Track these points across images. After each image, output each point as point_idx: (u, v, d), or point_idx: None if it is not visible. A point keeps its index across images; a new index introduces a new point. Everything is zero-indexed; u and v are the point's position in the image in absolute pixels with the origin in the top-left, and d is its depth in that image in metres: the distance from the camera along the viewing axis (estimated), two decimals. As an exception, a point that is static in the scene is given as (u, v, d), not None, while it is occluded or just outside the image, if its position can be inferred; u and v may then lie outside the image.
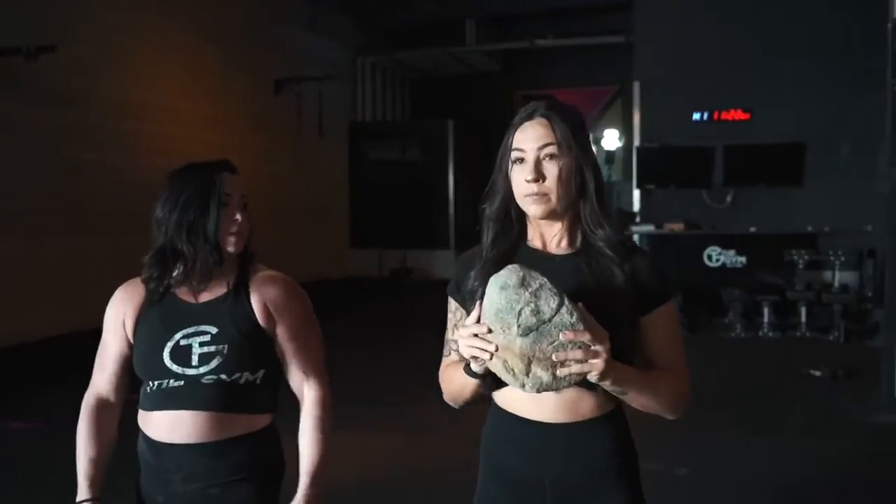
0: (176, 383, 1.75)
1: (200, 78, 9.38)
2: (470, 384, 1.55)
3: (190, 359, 1.75)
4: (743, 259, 8.86)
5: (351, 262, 12.81)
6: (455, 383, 1.60)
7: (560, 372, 1.37)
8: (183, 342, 1.76)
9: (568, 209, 1.56)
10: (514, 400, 1.58)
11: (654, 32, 9.32)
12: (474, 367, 1.48)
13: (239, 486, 1.77)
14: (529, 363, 1.38)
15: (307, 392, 1.88)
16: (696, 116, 9.26)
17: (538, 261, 1.55)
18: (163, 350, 1.76)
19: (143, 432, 1.81)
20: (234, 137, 9.77)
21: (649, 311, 1.56)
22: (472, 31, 12.69)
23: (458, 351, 1.55)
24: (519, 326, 1.37)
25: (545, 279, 1.41)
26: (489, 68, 13.99)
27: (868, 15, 8.16)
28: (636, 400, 1.51)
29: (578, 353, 1.35)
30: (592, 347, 1.36)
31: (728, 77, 8.95)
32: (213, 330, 1.76)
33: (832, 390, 5.97)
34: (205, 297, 1.80)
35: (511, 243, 1.61)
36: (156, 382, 1.77)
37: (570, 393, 1.53)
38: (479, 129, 13.90)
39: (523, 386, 1.40)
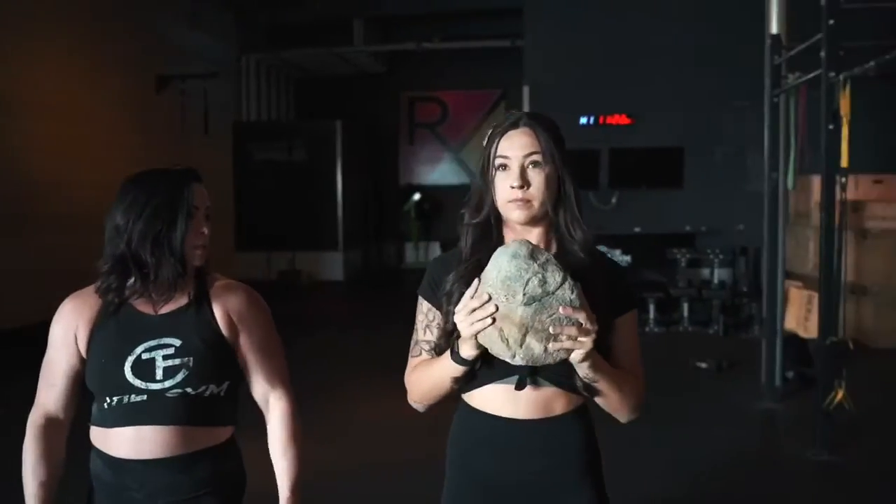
0: (138, 398, 1.67)
1: (77, 73, 8.90)
2: (450, 376, 1.56)
3: (153, 372, 1.67)
4: (628, 258, 9.21)
5: (238, 265, 12.47)
6: (429, 380, 1.61)
7: (552, 346, 1.42)
8: (145, 356, 1.68)
9: (546, 215, 1.62)
10: (489, 399, 1.61)
11: (543, 38, 9.56)
12: (466, 349, 1.49)
13: (204, 501, 1.72)
14: (525, 333, 1.42)
15: (275, 403, 1.84)
16: (583, 121, 9.54)
17: None
18: (123, 364, 1.67)
19: (98, 450, 1.72)
20: (114, 135, 9.33)
21: (619, 314, 1.63)
22: (360, 31, 12.63)
23: (430, 351, 1.61)
24: (524, 294, 1.41)
25: (551, 255, 1.47)
26: (375, 69, 13.98)
27: (744, 30, 8.69)
28: (604, 392, 1.56)
29: (573, 330, 1.41)
30: (585, 326, 1.41)
31: (613, 83, 9.28)
32: (177, 342, 1.69)
33: (719, 380, 6.33)
34: (165, 308, 1.72)
35: (490, 248, 1.61)
36: (115, 398, 1.68)
37: (545, 392, 1.58)
38: (366, 129, 13.88)
39: (514, 357, 1.44)
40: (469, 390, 1.63)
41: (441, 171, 14.76)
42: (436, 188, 14.52)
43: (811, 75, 4.79)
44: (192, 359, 1.68)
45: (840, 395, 4.28)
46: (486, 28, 12.63)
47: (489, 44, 12.65)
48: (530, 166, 1.57)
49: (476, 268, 1.56)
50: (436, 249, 14.51)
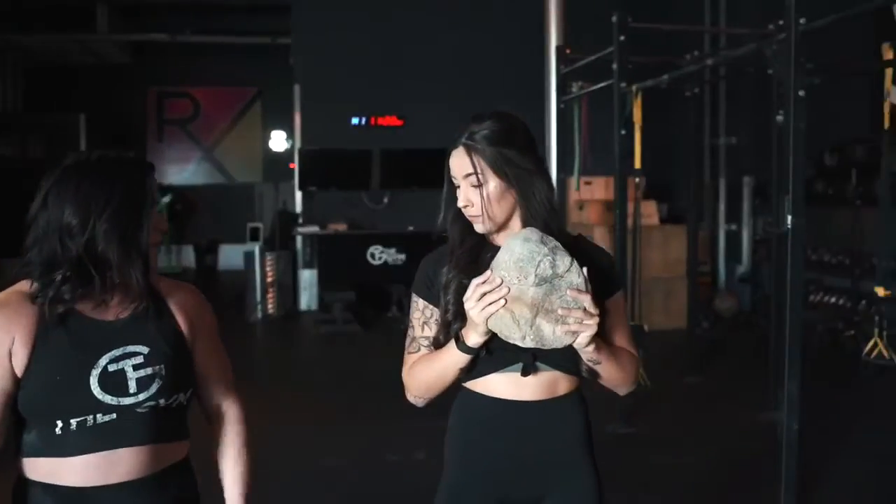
0: (106, 417, 1.46)
1: None
2: (455, 366, 1.60)
3: (125, 385, 1.47)
4: (403, 257, 9.44)
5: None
6: (433, 372, 1.65)
7: (559, 329, 1.48)
8: (112, 367, 1.47)
9: (512, 219, 1.67)
10: (493, 386, 1.66)
11: (313, 37, 9.48)
12: (474, 336, 1.53)
13: None
14: (536, 314, 1.48)
15: (229, 409, 1.72)
16: (355, 121, 9.63)
17: None
18: (87, 379, 1.45)
19: (45, 485, 1.47)
20: None
21: (609, 296, 1.72)
22: (104, 18, 11.61)
23: (429, 346, 1.67)
24: (536, 276, 1.47)
25: (557, 242, 1.54)
26: (120, 60, 12.93)
27: (513, 36, 9.28)
28: (606, 371, 1.65)
29: (580, 313, 1.48)
30: (589, 310, 1.49)
31: (384, 85, 9.47)
32: (144, 350, 1.50)
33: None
34: (120, 313, 1.51)
35: (477, 240, 1.69)
36: (75, 420, 1.44)
37: (548, 375, 1.65)
38: (114, 125, 12.80)
39: (524, 338, 1.49)
40: (471, 380, 1.67)
41: (193, 171, 14.02)
42: (188, 188, 13.78)
43: (601, 85, 5.27)
44: (163, 366, 1.51)
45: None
46: (246, 23, 12.22)
47: (248, 40, 12.25)
48: (470, 187, 1.63)
49: (470, 257, 1.65)
50: (189, 254, 13.79)
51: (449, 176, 1.69)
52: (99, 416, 1.45)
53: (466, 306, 1.50)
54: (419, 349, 1.69)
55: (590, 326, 1.49)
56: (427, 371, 1.66)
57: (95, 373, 1.45)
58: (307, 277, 9.53)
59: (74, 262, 1.44)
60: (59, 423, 1.44)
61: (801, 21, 3.17)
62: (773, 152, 5.07)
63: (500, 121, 1.66)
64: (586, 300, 1.49)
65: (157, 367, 1.50)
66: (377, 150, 9.56)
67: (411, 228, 9.54)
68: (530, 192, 1.64)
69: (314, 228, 9.39)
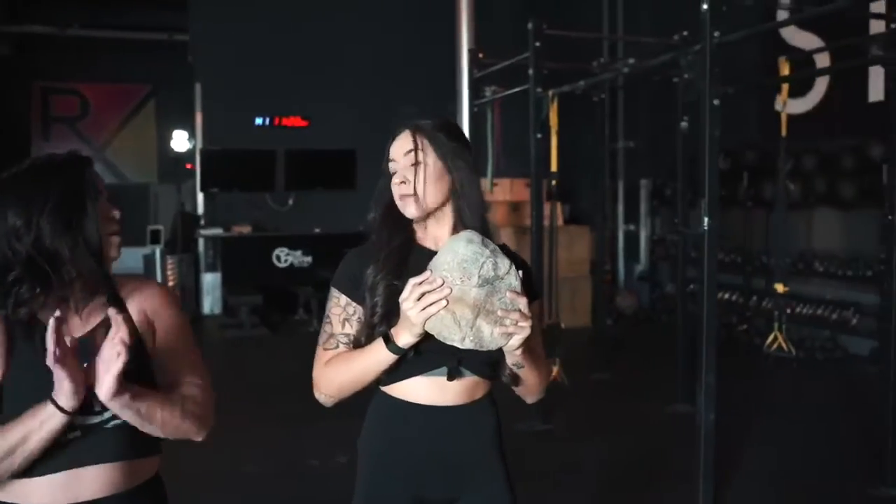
0: (71, 435, 1.40)
1: None
2: (379, 366, 1.59)
3: (91, 404, 1.39)
4: (309, 259, 9.34)
5: None
6: (351, 371, 1.63)
7: (497, 330, 1.51)
8: None
9: (444, 208, 1.70)
10: (415, 390, 1.66)
11: (214, 35, 9.24)
12: (407, 336, 1.53)
13: None
14: (477, 315, 1.50)
15: (191, 382, 1.57)
16: (259, 121, 9.47)
17: (430, 255, 1.65)
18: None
19: None
20: None
21: (529, 304, 1.71)
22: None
23: (347, 344, 1.66)
24: (479, 277, 1.49)
25: (496, 245, 1.58)
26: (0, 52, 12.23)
27: (418, 39, 9.32)
28: (526, 376, 1.67)
29: (517, 315, 1.52)
30: (524, 312, 1.53)
31: (289, 85, 9.33)
32: None
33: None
34: (85, 325, 1.47)
35: (404, 241, 1.71)
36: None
37: (470, 380, 1.68)
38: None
39: (463, 340, 1.50)
40: (391, 383, 1.67)
41: (83, 171, 13.40)
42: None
43: (517, 90, 5.37)
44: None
45: (556, 371, 4.87)
46: (139, 18, 11.77)
47: (141, 35, 11.82)
48: (410, 165, 1.66)
49: (399, 258, 1.66)
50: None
51: (386, 167, 1.71)
52: (65, 435, 1.38)
53: (404, 306, 1.50)
54: (337, 346, 1.67)
55: (524, 329, 1.52)
56: (345, 370, 1.63)
57: None
58: (210, 281, 9.29)
59: (25, 262, 1.40)
60: None
61: (716, 34, 3.34)
62: (679, 156, 5.31)
63: (444, 119, 1.75)
64: (522, 303, 1.53)
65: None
66: (282, 151, 9.43)
67: (318, 230, 9.45)
68: (467, 186, 1.69)
69: (217, 231, 9.17)
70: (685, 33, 5.09)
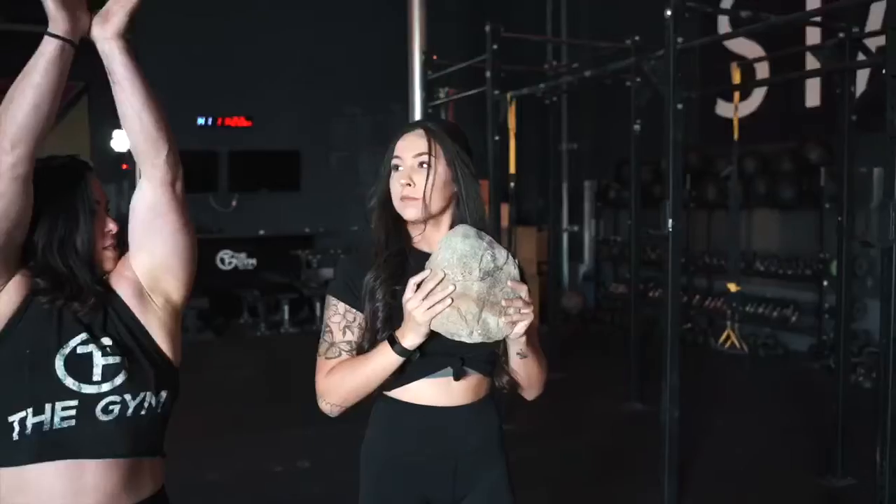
0: (66, 412, 1.33)
1: None
2: (386, 370, 1.59)
3: (90, 372, 1.35)
4: (254, 261, 9.20)
5: None
6: (358, 377, 1.61)
7: (502, 321, 1.54)
8: (81, 349, 1.36)
9: (444, 215, 1.71)
10: (423, 390, 1.67)
11: (154, 32, 8.99)
12: (413, 337, 1.53)
13: None
14: (482, 308, 1.52)
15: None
16: (201, 121, 9.28)
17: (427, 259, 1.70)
18: (53, 359, 1.34)
19: None
20: None
21: None
22: None
23: (350, 352, 1.65)
24: (480, 270, 1.52)
25: (490, 237, 1.61)
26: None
27: (362, 40, 9.28)
28: (530, 367, 1.69)
29: (520, 303, 1.55)
30: (526, 299, 1.56)
31: (232, 85, 9.18)
32: (109, 341, 1.40)
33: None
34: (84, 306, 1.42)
35: (401, 245, 1.70)
36: (33, 418, 1.32)
37: (473, 379, 1.69)
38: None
39: (471, 334, 1.53)
40: (396, 387, 1.67)
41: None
42: (4, 190, 12.65)
43: (473, 91, 5.40)
44: (125, 359, 1.40)
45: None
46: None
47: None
48: (418, 166, 1.65)
49: (397, 263, 1.66)
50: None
51: (387, 163, 1.69)
52: (57, 414, 1.33)
53: (409, 307, 1.51)
54: (339, 354, 1.66)
55: (528, 315, 1.56)
56: (350, 377, 1.62)
57: (63, 352, 1.35)
58: (151, 284, 9.05)
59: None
60: (17, 426, 1.32)
61: (679, 40, 3.43)
62: (632, 159, 5.42)
63: (453, 124, 1.76)
64: (524, 290, 1.57)
65: (121, 358, 1.39)
66: (225, 152, 9.27)
67: (262, 232, 9.32)
68: (471, 195, 1.69)
69: (158, 233, 8.93)
70: (637, 38, 5.20)
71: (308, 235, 9.60)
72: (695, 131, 7.93)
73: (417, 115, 6.18)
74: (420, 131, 1.68)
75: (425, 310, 1.49)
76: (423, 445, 1.67)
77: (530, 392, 1.79)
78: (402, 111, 8.56)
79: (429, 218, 1.68)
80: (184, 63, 8.94)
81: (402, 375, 1.63)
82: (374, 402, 1.73)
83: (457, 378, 1.65)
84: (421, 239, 1.72)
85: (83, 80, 12.90)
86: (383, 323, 1.62)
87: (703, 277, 7.81)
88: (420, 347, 1.57)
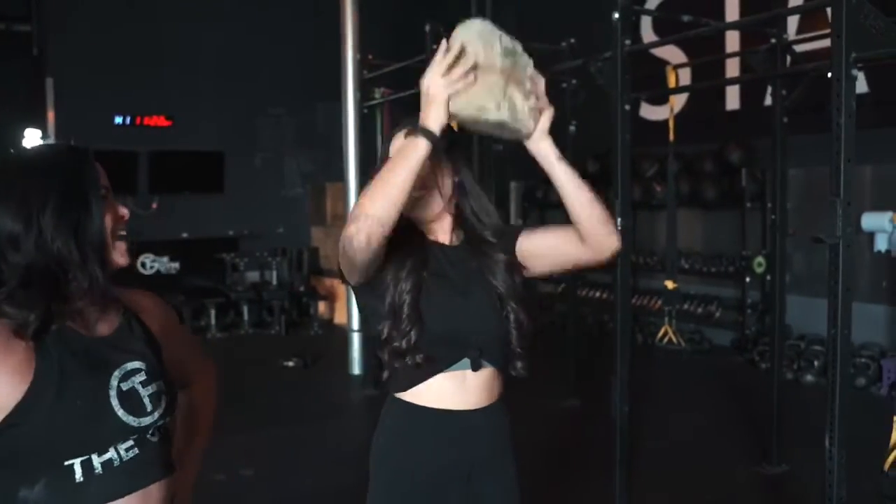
0: (128, 445, 1.29)
1: None
2: (416, 163, 1.44)
3: (143, 404, 1.31)
4: (177, 265, 8.93)
5: None
6: (388, 178, 1.45)
7: (529, 104, 1.48)
8: (124, 386, 1.30)
9: (446, 209, 1.71)
10: (438, 393, 1.65)
11: (70, 28, 8.64)
12: (436, 116, 1.41)
13: None
14: (507, 83, 1.44)
15: (201, 366, 1.66)
16: (118, 120, 8.95)
17: (442, 250, 1.72)
18: (108, 401, 1.27)
19: None
20: None
21: (515, 239, 1.75)
22: None
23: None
24: (502, 46, 1.44)
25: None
26: None
27: (287, 39, 9.14)
28: (573, 184, 1.58)
29: (542, 88, 1.53)
30: (544, 93, 1.55)
31: (151, 83, 8.89)
32: (142, 365, 1.35)
33: (313, 375, 6.62)
34: (102, 328, 1.34)
35: (419, 238, 1.72)
36: (99, 459, 1.25)
37: (486, 376, 1.68)
38: None
39: (499, 106, 1.43)
40: (413, 386, 1.65)
41: None
42: None
43: (413, 91, 5.37)
44: (161, 382, 1.37)
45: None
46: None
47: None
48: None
49: (416, 250, 1.67)
50: None
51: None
52: (122, 449, 1.28)
53: (427, 81, 1.40)
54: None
55: (551, 107, 1.54)
56: (383, 181, 1.45)
57: (113, 393, 1.29)
58: (68, 290, 8.67)
59: (24, 272, 1.25)
60: (79, 468, 1.23)
61: (627, 42, 3.51)
62: (568, 159, 5.49)
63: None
64: (542, 82, 1.53)
65: (158, 382, 1.36)
66: (144, 152, 8.96)
67: (185, 235, 9.06)
68: (469, 182, 1.74)
69: (73, 237, 8.57)
70: (572, 41, 5.29)
71: (233, 238, 9.39)
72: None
73: (351, 116, 6.12)
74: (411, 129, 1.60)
75: (447, 83, 1.38)
76: (438, 455, 1.66)
77: (600, 228, 1.58)
78: (327, 111, 8.50)
79: (438, 211, 1.70)
80: (99, 58, 8.61)
81: (417, 372, 1.61)
82: (386, 404, 1.71)
83: (475, 368, 1.64)
84: (430, 230, 1.73)
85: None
86: (410, 308, 1.59)
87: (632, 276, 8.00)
88: (433, 335, 1.59)
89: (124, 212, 1.38)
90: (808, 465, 3.24)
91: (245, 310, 8.56)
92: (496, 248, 1.72)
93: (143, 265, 8.77)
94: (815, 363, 5.85)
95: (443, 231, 1.73)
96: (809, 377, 5.84)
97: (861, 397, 5.34)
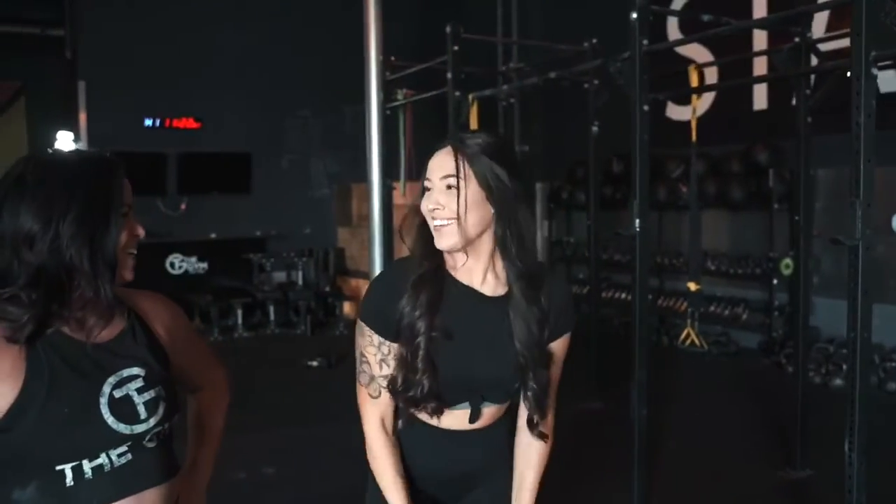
0: (122, 459, 1.31)
1: None
2: None
3: (136, 412, 1.32)
4: (205, 265, 9.04)
5: None
6: (379, 480, 1.65)
7: None
8: (117, 393, 1.32)
9: (482, 240, 1.56)
10: (445, 416, 1.63)
11: (101, 32, 8.79)
12: None
13: None
14: None
15: (213, 372, 1.69)
16: (149, 122, 9.08)
17: (472, 299, 1.58)
18: (98, 409, 1.29)
19: None
20: None
21: (559, 335, 1.68)
22: None
23: (388, 386, 1.58)
24: None
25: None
26: None
27: (315, 44, 9.20)
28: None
29: None
30: None
31: (180, 85, 9.00)
32: (141, 371, 1.37)
33: (337, 375, 6.65)
34: (102, 333, 1.36)
35: (435, 267, 1.58)
36: (90, 464, 1.27)
37: (493, 408, 1.66)
38: None
39: None
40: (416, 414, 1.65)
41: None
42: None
43: (434, 93, 5.39)
44: (161, 387, 1.38)
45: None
46: (8, 10, 11.01)
47: (9, 28, 11.04)
48: (445, 188, 1.51)
49: (432, 291, 1.54)
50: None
51: (422, 182, 1.58)
52: (114, 455, 1.30)
53: None
54: (379, 394, 1.60)
55: None
56: (377, 474, 1.65)
57: (104, 400, 1.31)
58: (98, 290, 8.81)
59: (34, 273, 1.27)
60: (70, 472, 1.26)
61: (645, 42, 3.48)
62: (591, 161, 5.48)
63: (494, 136, 1.58)
64: None
65: (157, 388, 1.38)
66: (173, 154, 9.08)
67: (213, 235, 9.16)
68: (511, 217, 1.53)
69: (105, 237, 8.71)
70: (594, 41, 5.27)
71: (260, 238, 9.48)
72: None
73: (374, 117, 6.12)
74: (447, 149, 1.52)
75: None
76: (435, 468, 1.67)
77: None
78: (353, 113, 8.54)
79: (467, 245, 1.53)
80: (130, 61, 8.75)
81: (418, 409, 1.59)
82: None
83: (472, 420, 1.62)
84: (455, 265, 1.58)
85: (20, 79, 12.52)
86: (423, 362, 1.52)
87: (654, 277, 7.93)
88: (444, 381, 1.55)
89: (141, 231, 1.41)
90: (832, 470, 3.19)
91: (271, 310, 8.63)
92: (545, 325, 1.60)
93: (172, 265, 8.89)
94: (844, 367, 5.75)
95: (477, 266, 1.58)
96: (838, 381, 5.75)
97: (894, 402, 5.24)
